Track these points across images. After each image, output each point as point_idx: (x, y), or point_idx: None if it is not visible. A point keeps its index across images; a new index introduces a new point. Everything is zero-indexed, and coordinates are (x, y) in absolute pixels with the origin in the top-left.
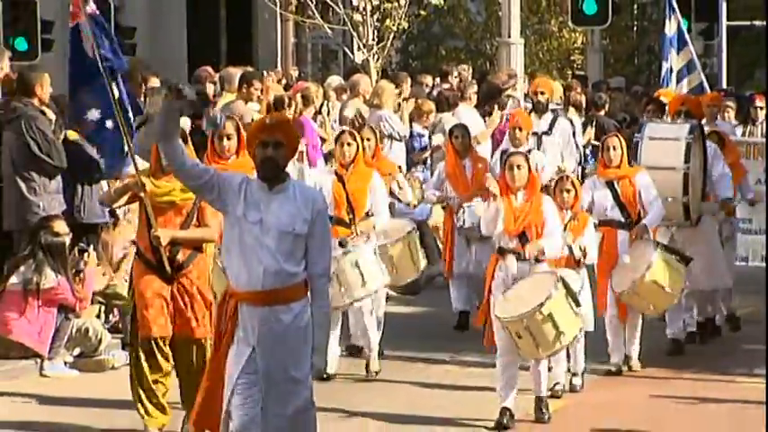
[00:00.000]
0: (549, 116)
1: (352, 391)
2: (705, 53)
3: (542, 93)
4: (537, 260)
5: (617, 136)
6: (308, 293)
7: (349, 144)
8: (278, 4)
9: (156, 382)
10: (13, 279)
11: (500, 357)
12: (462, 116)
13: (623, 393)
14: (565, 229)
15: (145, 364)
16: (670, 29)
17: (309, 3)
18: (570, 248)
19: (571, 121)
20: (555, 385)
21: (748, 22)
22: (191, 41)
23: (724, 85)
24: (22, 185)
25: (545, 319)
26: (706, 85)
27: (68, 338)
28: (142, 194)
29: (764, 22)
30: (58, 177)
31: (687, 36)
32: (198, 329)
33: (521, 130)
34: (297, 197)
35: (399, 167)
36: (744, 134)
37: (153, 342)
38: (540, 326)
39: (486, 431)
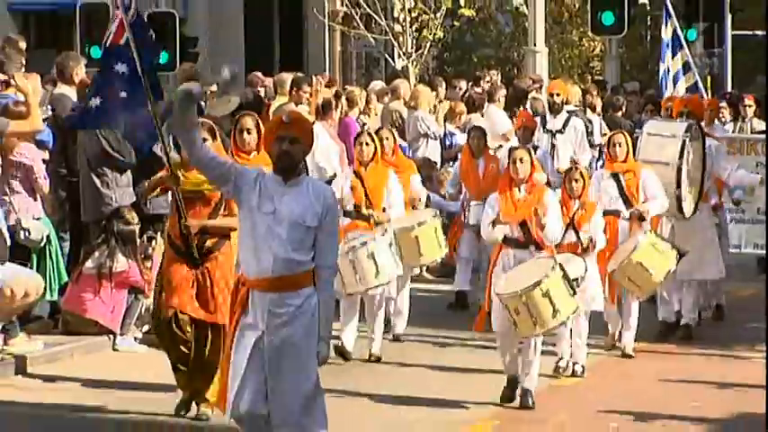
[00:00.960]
0: (563, 116)
1: (364, 372)
2: (710, 57)
3: (557, 94)
4: (537, 248)
5: (622, 133)
6: (312, 282)
7: (367, 144)
8: (326, 16)
9: (176, 360)
10: (89, 264)
11: (499, 339)
12: (492, 117)
13: (632, 367)
14: (573, 217)
15: (166, 345)
16: (666, 33)
17: (354, 15)
18: (577, 235)
19: (590, 121)
20: (558, 361)
21: (751, 32)
22: (247, 50)
23: (729, 89)
24: (96, 180)
25: (543, 295)
26: (700, 84)
27: (137, 317)
28: (174, 187)
29: (765, 32)
30: (128, 172)
31: (683, 40)
32: (217, 315)
33: (527, 129)
34: (310, 191)
35: (435, 163)
36: (734, 130)
37: (174, 322)
38: (538, 302)
39: (493, 407)
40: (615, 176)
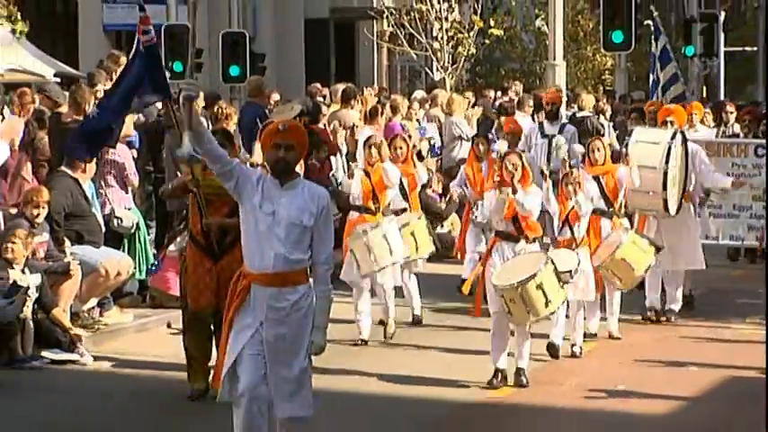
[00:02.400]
0: (558, 123)
1: (381, 353)
2: (706, 69)
3: (554, 103)
4: (528, 241)
5: (599, 140)
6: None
7: (376, 146)
8: (375, 35)
9: (198, 348)
10: (172, 247)
11: (493, 324)
12: (519, 122)
13: (636, 337)
14: (568, 215)
15: (190, 333)
16: (657, 48)
17: (399, 34)
18: (572, 231)
19: (602, 125)
20: (549, 344)
21: (741, 48)
22: (307, 64)
23: (722, 97)
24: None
25: (537, 287)
26: (688, 95)
27: None
28: (195, 189)
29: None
30: None
31: (671, 53)
32: None
33: (515, 134)
34: (305, 193)
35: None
36: (717, 135)
37: (196, 316)
38: (532, 294)
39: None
40: (596, 179)
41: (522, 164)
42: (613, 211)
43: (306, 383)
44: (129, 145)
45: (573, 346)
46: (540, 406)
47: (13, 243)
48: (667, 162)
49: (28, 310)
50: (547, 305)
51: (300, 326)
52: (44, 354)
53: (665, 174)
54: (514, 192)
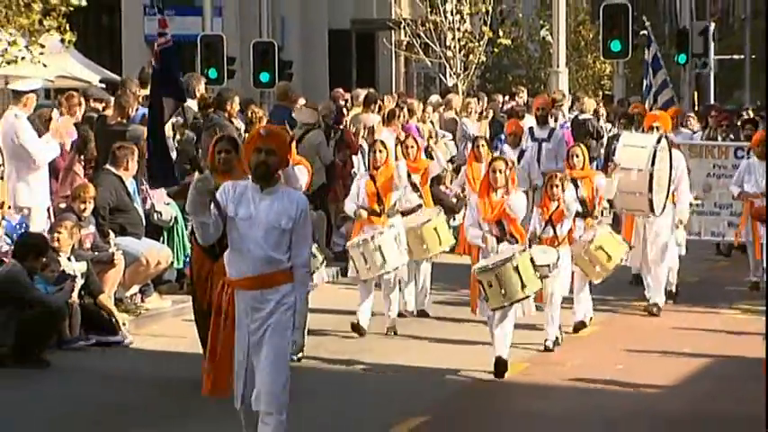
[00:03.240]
0: (548, 127)
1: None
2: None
3: (543, 108)
4: (510, 241)
5: (579, 146)
6: (291, 279)
7: (380, 151)
8: (393, 44)
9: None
10: None
11: (488, 318)
12: (528, 124)
13: (632, 323)
14: (551, 215)
15: (198, 328)
16: (648, 56)
17: (415, 43)
18: (554, 230)
19: (602, 126)
20: (545, 341)
21: (730, 56)
22: (331, 71)
23: (712, 101)
24: None
25: (513, 269)
26: (675, 99)
27: None
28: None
29: (742, 56)
30: None
31: (661, 61)
32: None
33: (515, 135)
34: (284, 198)
35: None
36: (702, 138)
37: (202, 313)
38: (508, 276)
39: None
40: (574, 182)
41: (507, 168)
42: (587, 212)
43: (284, 381)
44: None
45: (546, 340)
46: (542, 384)
47: (60, 233)
48: (653, 165)
49: (75, 296)
50: (522, 289)
51: (283, 325)
52: (90, 336)
53: (651, 176)
54: (503, 195)
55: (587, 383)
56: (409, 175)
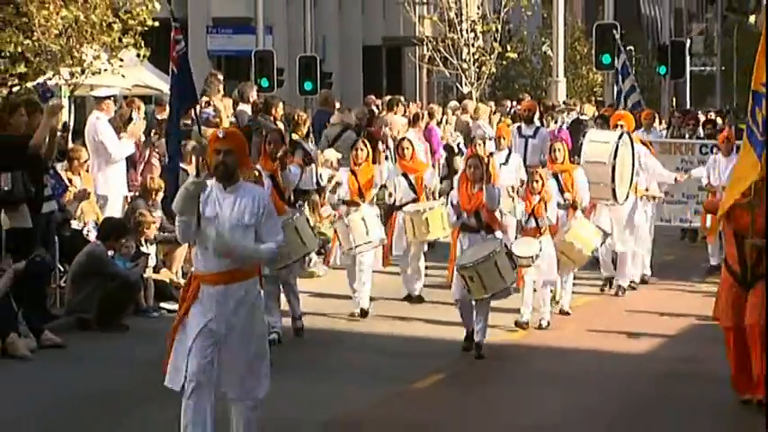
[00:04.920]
0: (533, 126)
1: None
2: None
3: (529, 110)
4: (488, 232)
5: (560, 141)
6: (257, 274)
7: (361, 149)
8: (417, 58)
9: None
10: None
11: (459, 303)
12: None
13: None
14: (534, 208)
15: None
16: (619, 63)
17: (436, 57)
18: (536, 222)
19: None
20: (520, 318)
21: (702, 68)
22: (364, 80)
23: (688, 107)
24: None
25: (493, 265)
26: (643, 102)
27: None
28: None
29: (713, 68)
30: None
31: (630, 68)
32: None
33: (504, 138)
34: (246, 195)
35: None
36: (666, 136)
37: None
38: (488, 270)
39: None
40: (555, 176)
41: (485, 165)
42: (569, 203)
43: (257, 370)
44: None
45: (541, 319)
46: (544, 346)
47: (144, 219)
48: (615, 158)
49: (149, 271)
50: (502, 280)
51: (249, 318)
52: (162, 305)
53: (614, 168)
54: (480, 188)
55: (584, 343)
56: (405, 175)
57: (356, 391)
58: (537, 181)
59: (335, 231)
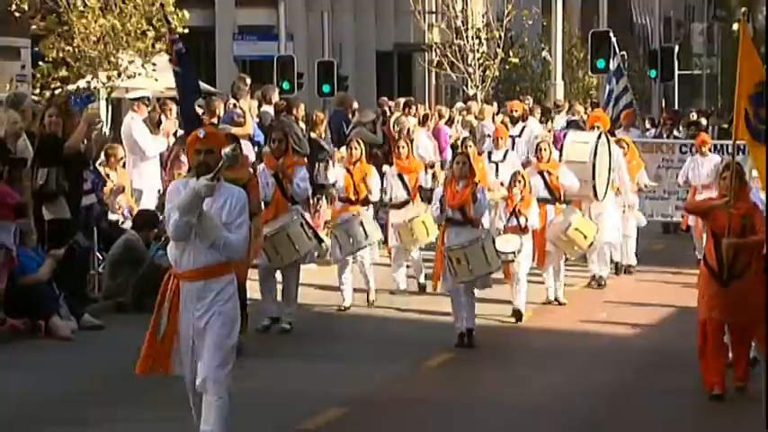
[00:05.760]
0: (519, 125)
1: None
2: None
3: (516, 111)
4: (473, 226)
5: (545, 141)
6: (232, 270)
7: (355, 148)
8: (426, 62)
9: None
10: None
11: (450, 292)
12: (530, 125)
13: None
14: (515, 207)
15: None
16: (613, 65)
17: (444, 61)
18: (518, 220)
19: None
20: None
21: (690, 71)
22: (378, 83)
23: (676, 107)
24: None
25: (480, 248)
26: (635, 103)
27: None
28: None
29: (700, 71)
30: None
31: (623, 71)
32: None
33: (501, 138)
34: (225, 193)
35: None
36: (655, 135)
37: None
38: (475, 254)
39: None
40: (541, 173)
41: (469, 162)
42: (555, 198)
43: (226, 366)
44: (252, 141)
45: (518, 310)
46: (538, 328)
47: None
48: (595, 157)
49: None
50: (487, 264)
51: (225, 312)
52: None
53: (594, 166)
54: (465, 185)
55: (577, 326)
56: (401, 175)
57: (370, 371)
58: (519, 182)
59: (334, 234)
